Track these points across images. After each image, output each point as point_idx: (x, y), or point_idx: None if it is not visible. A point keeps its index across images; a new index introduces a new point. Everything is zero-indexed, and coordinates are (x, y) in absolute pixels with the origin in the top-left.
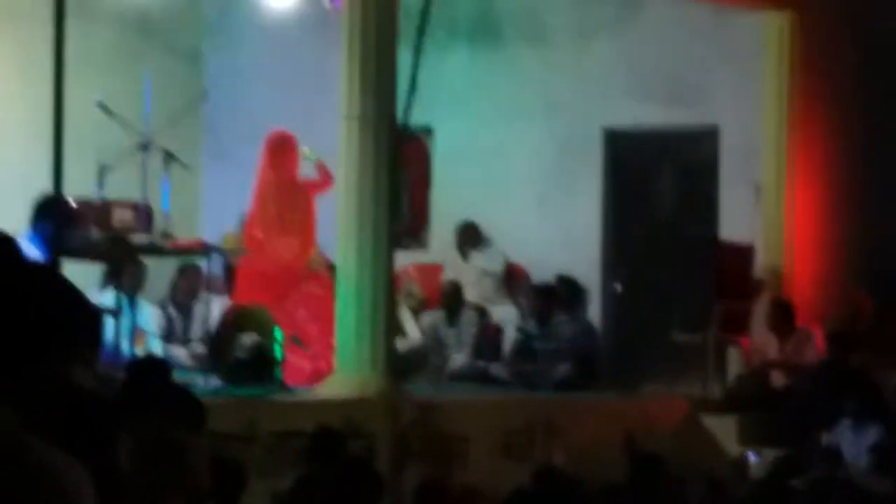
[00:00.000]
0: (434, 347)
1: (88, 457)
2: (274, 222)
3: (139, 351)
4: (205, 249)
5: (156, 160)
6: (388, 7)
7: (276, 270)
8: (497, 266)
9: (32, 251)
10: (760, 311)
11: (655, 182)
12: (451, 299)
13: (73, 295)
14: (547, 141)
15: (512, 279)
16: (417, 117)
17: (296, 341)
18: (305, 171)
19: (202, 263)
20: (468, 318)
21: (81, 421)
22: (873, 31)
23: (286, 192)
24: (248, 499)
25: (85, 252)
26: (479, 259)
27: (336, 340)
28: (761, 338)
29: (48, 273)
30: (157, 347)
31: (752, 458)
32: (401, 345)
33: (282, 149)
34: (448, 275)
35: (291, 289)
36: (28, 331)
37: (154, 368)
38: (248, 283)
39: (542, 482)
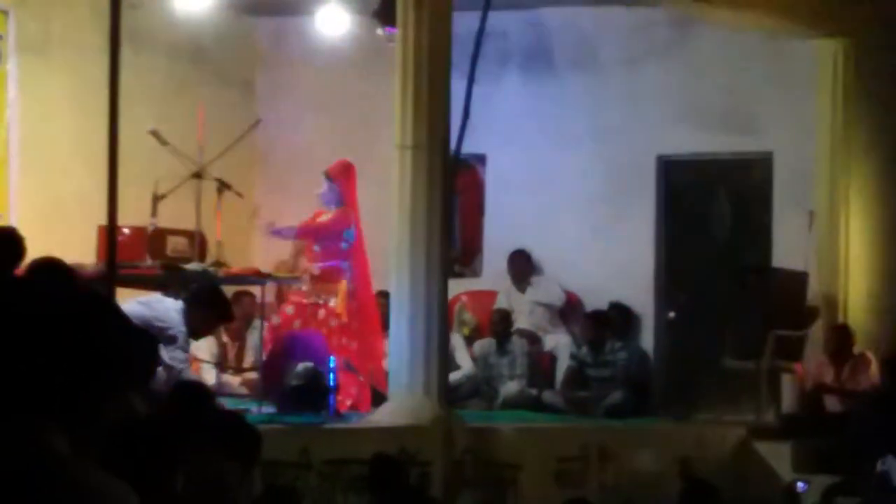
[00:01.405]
0: (486, 375)
1: (147, 481)
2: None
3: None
4: (258, 277)
5: (210, 189)
6: (441, 36)
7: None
8: (553, 298)
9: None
10: (815, 338)
11: (709, 209)
12: (500, 327)
13: (127, 324)
14: (599, 168)
15: (566, 307)
16: (470, 145)
17: (349, 367)
18: None
19: (256, 291)
20: (519, 346)
21: (139, 447)
22: None
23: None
24: None
25: (139, 280)
26: (532, 289)
27: (389, 367)
28: (817, 364)
29: (102, 302)
30: (210, 375)
31: (801, 486)
32: (453, 374)
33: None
34: (501, 303)
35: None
36: (86, 359)
37: (196, 393)
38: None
39: None
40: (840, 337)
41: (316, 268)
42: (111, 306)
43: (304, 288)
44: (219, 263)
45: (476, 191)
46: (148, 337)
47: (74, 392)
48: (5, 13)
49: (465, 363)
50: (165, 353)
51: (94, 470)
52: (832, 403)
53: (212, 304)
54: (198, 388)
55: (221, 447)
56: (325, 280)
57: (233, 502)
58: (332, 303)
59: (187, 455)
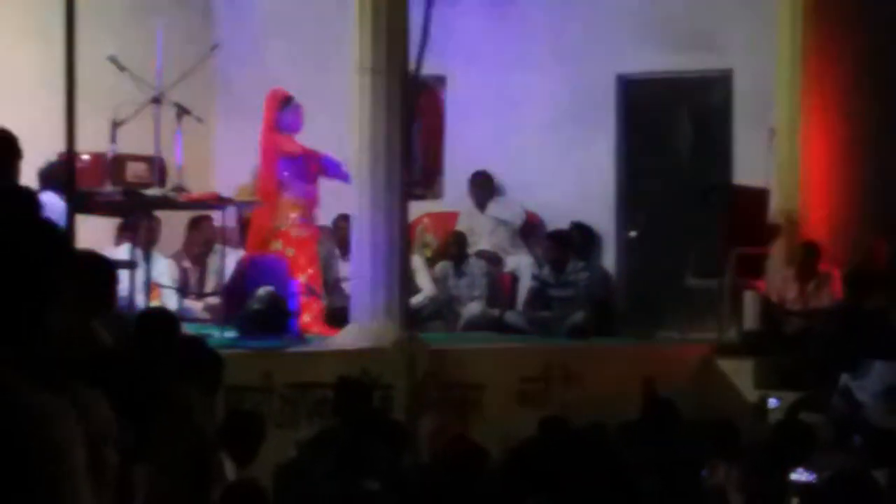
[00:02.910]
0: (446, 297)
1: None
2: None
3: (154, 304)
4: (218, 202)
5: (169, 114)
6: None
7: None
8: (514, 216)
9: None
10: (777, 255)
11: (669, 128)
12: (455, 249)
13: (74, 251)
14: (560, 89)
15: (527, 227)
16: (430, 67)
17: (311, 290)
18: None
19: (216, 216)
20: (478, 267)
21: (103, 370)
22: None
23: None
24: (267, 450)
25: (99, 207)
26: (494, 209)
27: (351, 291)
28: (782, 279)
29: (51, 230)
30: (172, 301)
31: (772, 402)
32: (415, 296)
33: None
34: (463, 224)
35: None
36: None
37: (161, 322)
38: (259, 234)
39: (548, 431)
40: (809, 254)
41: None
42: (59, 234)
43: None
44: (179, 189)
45: (437, 113)
46: (102, 264)
47: (13, 315)
48: None
49: (426, 285)
50: None
51: (32, 388)
52: (793, 321)
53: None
54: (163, 314)
55: (184, 372)
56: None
57: (198, 427)
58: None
59: (155, 382)
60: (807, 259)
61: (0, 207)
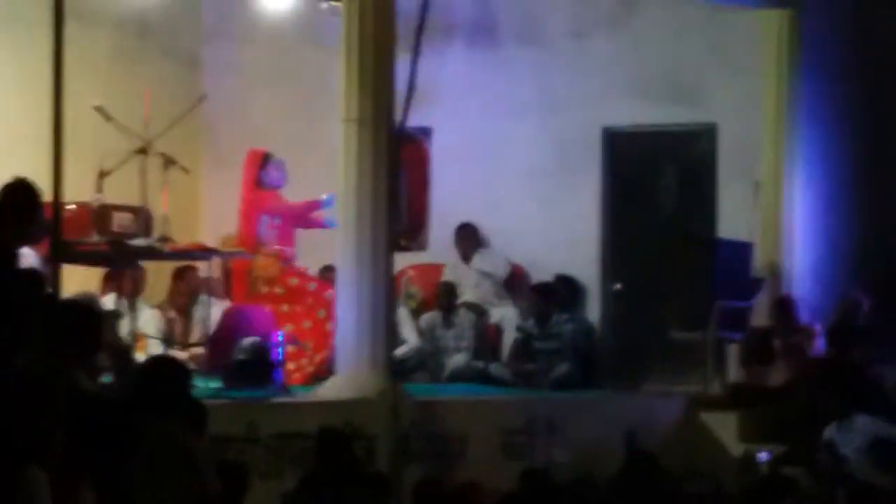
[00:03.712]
0: (432, 348)
1: (94, 458)
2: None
3: (139, 355)
4: (204, 252)
5: (155, 164)
6: (386, 9)
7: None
8: (498, 268)
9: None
10: (760, 308)
11: (654, 180)
12: (445, 300)
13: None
14: (545, 141)
15: (511, 279)
16: (416, 119)
17: (296, 342)
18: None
19: (202, 266)
20: (465, 319)
21: (85, 422)
22: (873, 30)
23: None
24: (251, 500)
25: (84, 256)
26: (478, 260)
27: (336, 341)
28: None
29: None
30: (157, 350)
31: (762, 456)
32: (399, 347)
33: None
34: (448, 276)
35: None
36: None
37: (174, 370)
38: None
39: (529, 484)
40: (784, 308)
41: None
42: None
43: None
44: (164, 239)
45: (422, 164)
46: (85, 312)
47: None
48: None
49: (411, 337)
50: None
51: None
52: (777, 374)
53: None
54: (176, 363)
55: (179, 420)
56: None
57: (193, 475)
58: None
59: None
60: (783, 312)
61: None
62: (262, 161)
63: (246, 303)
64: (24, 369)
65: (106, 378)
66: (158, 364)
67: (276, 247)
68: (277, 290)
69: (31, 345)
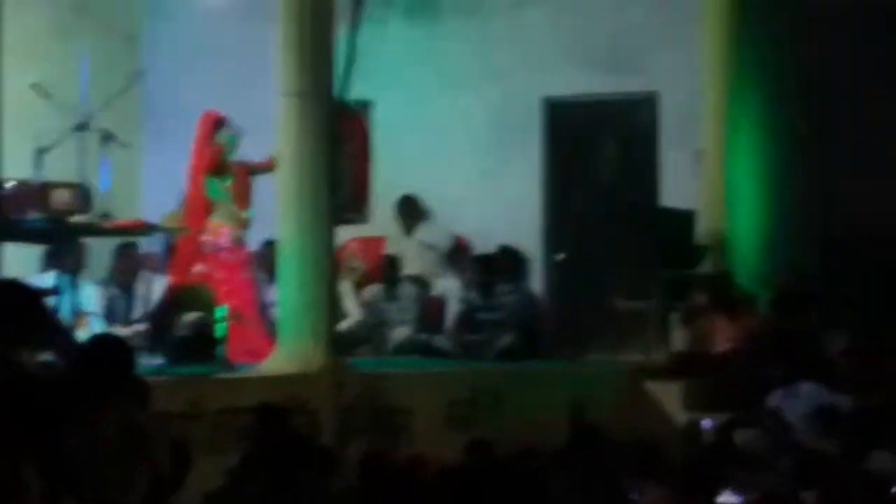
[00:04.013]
0: (375, 321)
1: (36, 438)
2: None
3: (81, 332)
4: (145, 229)
5: (94, 141)
6: None
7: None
8: (441, 240)
9: None
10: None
11: (596, 150)
12: (388, 272)
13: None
14: (486, 111)
15: (454, 251)
16: (356, 92)
17: (236, 316)
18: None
19: (143, 243)
20: (408, 292)
21: (27, 402)
22: None
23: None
24: (196, 477)
25: (24, 234)
26: (421, 232)
27: (278, 315)
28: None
29: None
30: (98, 327)
31: (706, 423)
32: (342, 321)
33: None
34: (390, 248)
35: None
36: None
37: (118, 349)
38: (184, 258)
39: (475, 456)
40: (720, 285)
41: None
42: None
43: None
44: (105, 215)
45: (363, 137)
46: (21, 292)
47: None
48: None
49: (353, 310)
50: None
51: None
52: (720, 341)
53: None
54: (119, 341)
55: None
56: None
57: (146, 455)
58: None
59: (97, 410)
60: (719, 290)
61: None
62: (216, 124)
63: (185, 276)
64: None
65: (46, 358)
66: (101, 343)
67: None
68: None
69: None
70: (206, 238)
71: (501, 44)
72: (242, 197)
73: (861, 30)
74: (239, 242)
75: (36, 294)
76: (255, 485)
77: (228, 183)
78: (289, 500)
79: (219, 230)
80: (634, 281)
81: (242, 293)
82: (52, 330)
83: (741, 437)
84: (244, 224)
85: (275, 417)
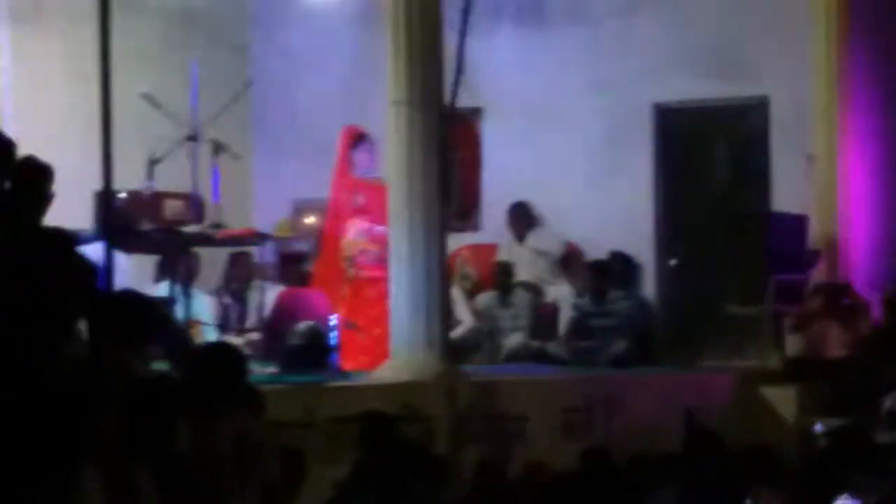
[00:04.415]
0: (488, 329)
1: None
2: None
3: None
4: (257, 238)
5: (205, 151)
6: None
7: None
8: (553, 247)
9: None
10: (816, 280)
11: (707, 156)
12: (502, 279)
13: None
14: (596, 118)
15: (566, 258)
16: (466, 100)
17: (350, 326)
18: None
19: (255, 251)
20: (522, 299)
21: (146, 410)
22: None
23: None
24: (310, 486)
25: (138, 244)
26: (533, 239)
27: (391, 324)
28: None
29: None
30: (212, 337)
31: (818, 428)
32: (455, 329)
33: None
34: (502, 256)
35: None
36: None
37: (230, 357)
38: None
39: (589, 463)
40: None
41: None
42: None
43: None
44: (217, 225)
45: (473, 144)
46: (147, 301)
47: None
48: None
49: (466, 317)
50: None
51: None
52: (835, 346)
53: None
54: (232, 350)
55: (241, 407)
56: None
57: (258, 463)
58: None
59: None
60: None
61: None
62: (354, 140)
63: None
64: (79, 360)
65: (162, 365)
66: (214, 351)
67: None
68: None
69: (88, 335)
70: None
71: (612, 51)
72: (378, 213)
73: None
74: (377, 259)
75: (150, 304)
76: (368, 494)
77: (361, 199)
78: None
79: (357, 247)
80: (747, 286)
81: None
82: (168, 338)
83: (856, 439)
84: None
85: (382, 425)
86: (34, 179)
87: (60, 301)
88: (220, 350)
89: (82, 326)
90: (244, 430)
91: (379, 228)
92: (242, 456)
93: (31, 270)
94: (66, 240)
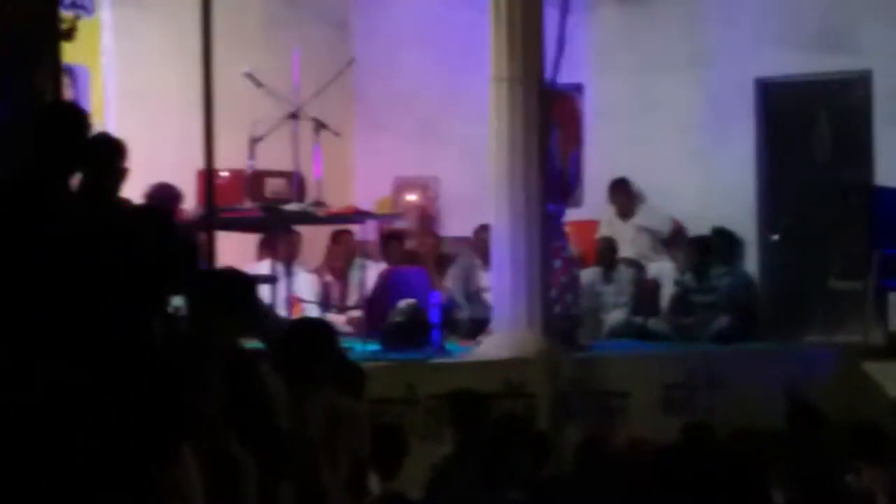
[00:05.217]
0: (591, 305)
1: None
2: None
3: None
4: (358, 216)
5: (307, 129)
6: None
7: None
8: (661, 224)
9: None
10: None
11: (809, 130)
12: (606, 256)
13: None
14: (698, 93)
15: (671, 234)
16: (566, 76)
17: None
18: None
19: (357, 229)
20: (624, 275)
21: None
22: None
23: None
24: (411, 462)
25: (239, 223)
26: (640, 216)
27: (493, 300)
28: None
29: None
30: (314, 315)
31: None
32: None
33: None
34: (603, 232)
35: None
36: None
37: (320, 331)
38: None
39: (691, 438)
40: None
41: None
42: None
43: None
44: (318, 203)
45: (574, 121)
46: (241, 280)
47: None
48: None
49: None
50: None
51: None
52: None
53: None
54: (322, 324)
55: (336, 382)
56: None
57: (351, 438)
58: None
59: (304, 392)
60: None
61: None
62: None
63: None
64: (174, 337)
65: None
66: (300, 328)
67: None
68: None
69: (188, 312)
70: None
71: (712, 25)
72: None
73: None
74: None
75: (252, 282)
76: (470, 469)
77: None
78: (505, 483)
79: None
80: (850, 261)
81: None
82: (262, 318)
83: None
84: None
85: (472, 403)
86: (107, 155)
87: (150, 278)
88: (304, 326)
89: (182, 304)
90: (333, 404)
91: None
92: (333, 430)
93: (113, 246)
94: (157, 217)
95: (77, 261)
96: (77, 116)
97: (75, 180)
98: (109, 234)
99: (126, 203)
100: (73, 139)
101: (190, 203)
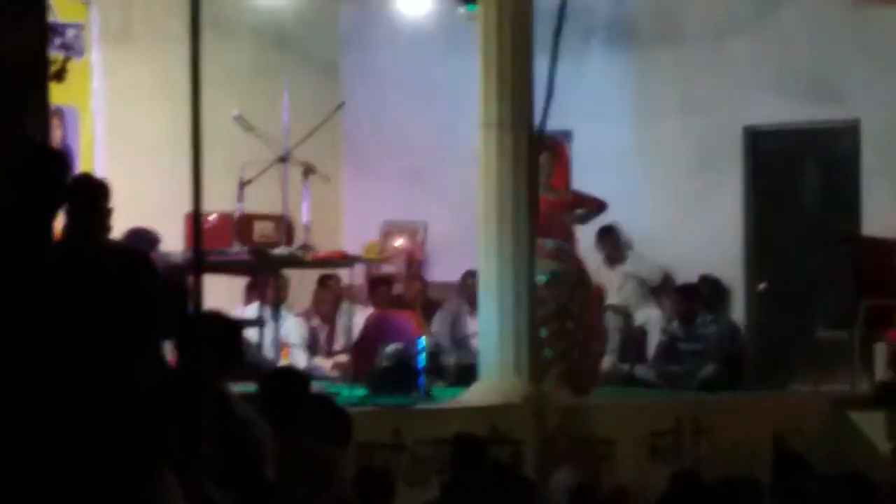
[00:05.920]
0: None
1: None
2: None
3: (284, 362)
4: (346, 260)
5: (296, 173)
6: (523, 12)
7: None
8: (650, 273)
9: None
10: None
11: (797, 179)
12: None
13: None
14: (686, 141)
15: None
16: (556, 122)
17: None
18: None
19: (344, 274)
20: (612, 322)
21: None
22: None
23: None
24: None
25: (226, 266)
26: (629, 264)
27: (479, 346)
28: None
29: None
30: (301, 358)
31: None
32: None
33: None
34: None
35: None
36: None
37: (291, 380)
38: None
39: (678, 486)
40: None
41: None
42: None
43: None
44: (306, 247)
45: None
46: (233, 322)
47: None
48: (87, 4)
49: None
50: None
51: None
52: None
53: None
54: (293, 373)
55: (314, 431)
56: None
57: (328, 484)
58: None
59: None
60: None
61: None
62: None
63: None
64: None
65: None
66: (275, 376)
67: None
68: None
69: (176, 356)
70: None
71: (702, 73)
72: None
73: None
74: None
75: (238, 326)
76: None
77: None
78: None
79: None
80: (837, 310)
81: None
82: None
83: None
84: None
85: (471, 448)
86: (88, 196)
87: (131, 321)
88: (279, 375)
89: (168, 348)
90: (308, 451)
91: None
92: (314, 475)
93: (94, 288)
94: (139, 260)
95: (58, 301)
96: (55, 158)
97: (59, 222)
98: (93, 274)
99: (112, 244)
100: (53, 180)
101: (177, 246)
